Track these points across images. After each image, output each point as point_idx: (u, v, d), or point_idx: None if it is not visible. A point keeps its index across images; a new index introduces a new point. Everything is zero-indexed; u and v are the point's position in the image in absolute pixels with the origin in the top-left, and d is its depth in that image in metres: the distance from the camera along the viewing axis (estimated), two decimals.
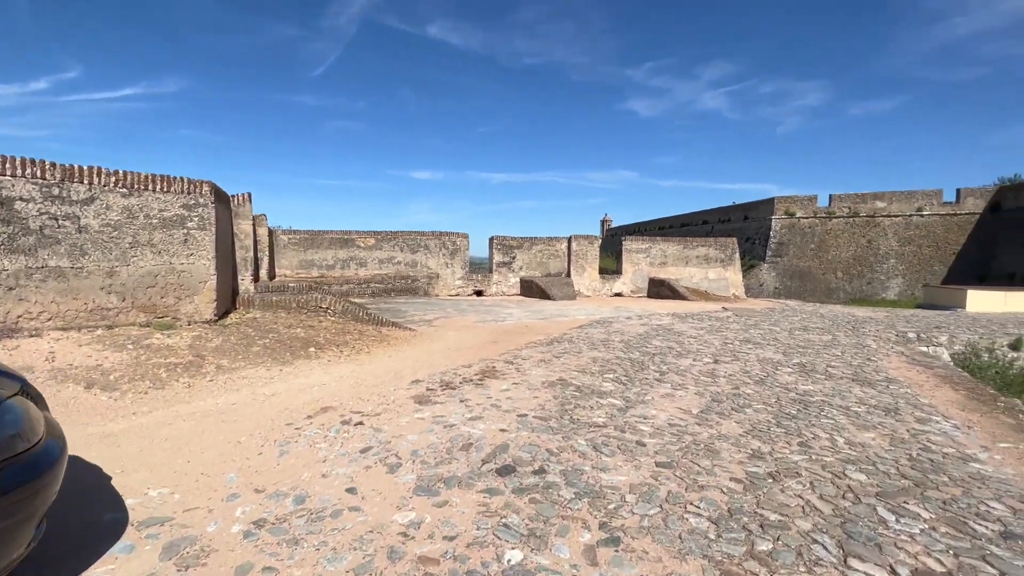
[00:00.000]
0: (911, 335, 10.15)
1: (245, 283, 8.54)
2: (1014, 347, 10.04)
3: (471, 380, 5.31)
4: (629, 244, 18.92)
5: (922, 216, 35.22)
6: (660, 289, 17.93)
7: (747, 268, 34.31)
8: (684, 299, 16.60)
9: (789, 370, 6.21)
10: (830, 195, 37.14)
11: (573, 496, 2.80)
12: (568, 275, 18.36)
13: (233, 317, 7.11)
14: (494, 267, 18.10)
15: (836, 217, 36.67)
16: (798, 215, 37.27)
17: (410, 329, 8.58)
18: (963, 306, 14.00)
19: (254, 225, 9.81)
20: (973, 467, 3.37)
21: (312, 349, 6.04)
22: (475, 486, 2.90)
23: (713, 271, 18.72)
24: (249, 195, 8.81)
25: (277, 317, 7.19)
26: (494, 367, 5.94)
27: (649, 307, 14.28)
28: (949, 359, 9.99)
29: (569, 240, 18.57)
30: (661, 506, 2.72)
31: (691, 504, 2.75)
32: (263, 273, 12.94)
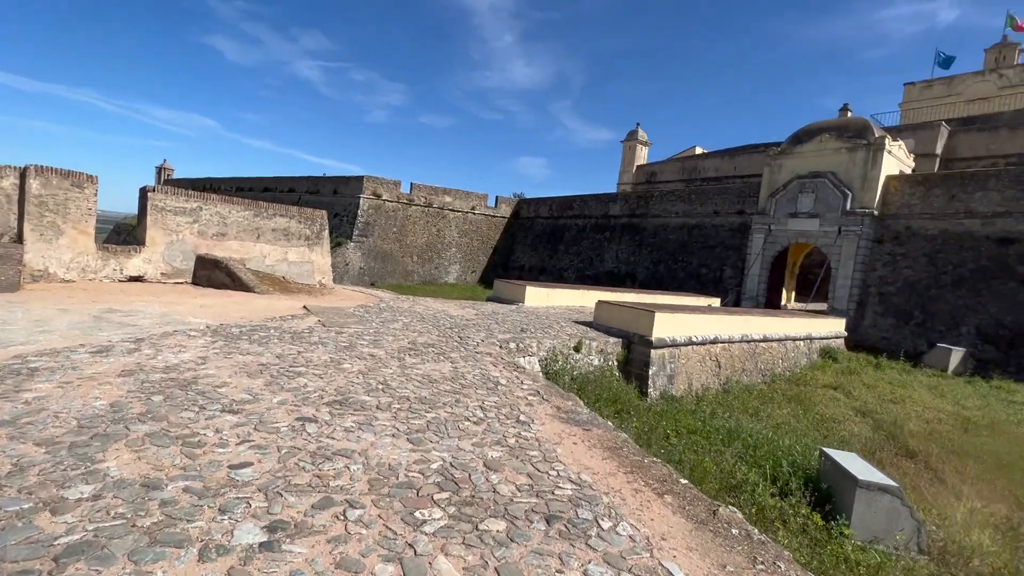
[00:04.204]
0: (512, 345, 9.14)
1: None
2: (576, 349, 10.64)
3: None
4: (162, 200, 11.96)
5: (475, 214, 42.02)
6: (213, 273, 12.07)
7: (334, 246, 31.64)
8: (249, 290, 11.53)
9: (439, 516, 2.81)
10: (411, 183, 39.20)
11: None
12: (19, 239, 9.75)
13: None
14: None
15: (415, 205, 39.05)
16: (384, 197, 37.55)
17: None
18: (523, 300, 15.27)
19: None
20: None
21: None
22: None
23: (295, 251, 14.37)
24: None
25: None
26: None
27: (180, 307, 8.53)
28: (540, 369, 9.62)
29: (23, 174, 9.88)
30: None
31: None
32: None
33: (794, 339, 15.69)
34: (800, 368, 15.43)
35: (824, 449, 7.43)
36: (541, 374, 8.80)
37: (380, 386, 5.14)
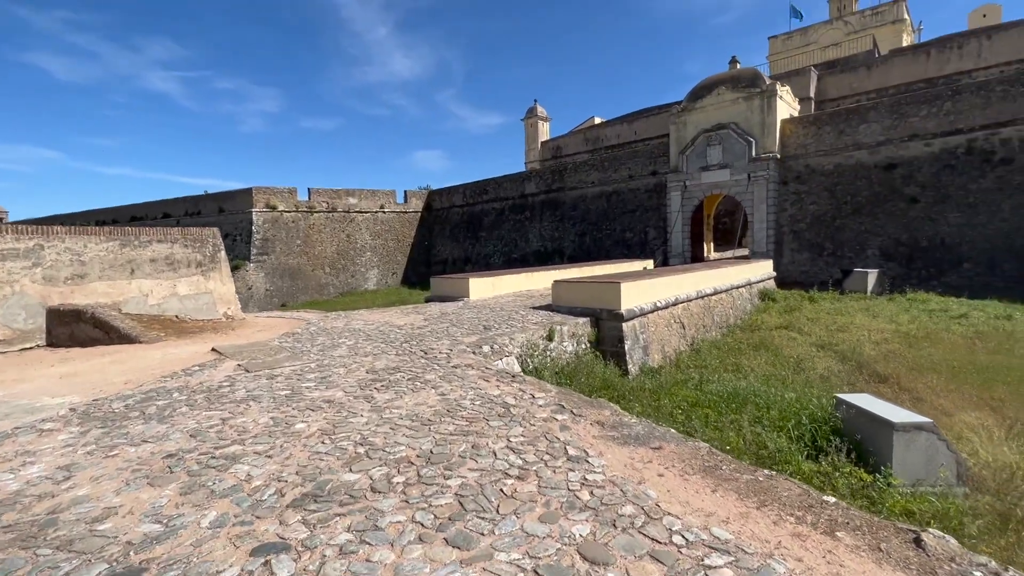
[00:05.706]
0: (485, 348, 7.81)
1: None
2: (549, 338, 9.55)
3: None
4: None
5: (385, 213, 39.32)
6: (76, 327, 9.31)
7: (231, 270, 27.90)
8: (132, 341, 9.00)
9: None
10: (309, 189, 35.65)
11: None
12: None
13: None
14: None
15: (317, 211, 35.62)
16: (280, 208, 33.75)
17: None
18: (468, 295, 13.91)
19: None
20: None
21: None
22: None
23: (186, 282, 11.71)
24: None
25: None
26: None
27: (26, 385, 6.11)
28: (519, 368, 8.39)
29: None
30: None
31: None
32: None
33: (738, 287, 15.91)
34: (748, 314, 15.70)
35: (839, 396, 7.01)
36: (523, 374, 7.60)
37: (361, 449, 3.61)
